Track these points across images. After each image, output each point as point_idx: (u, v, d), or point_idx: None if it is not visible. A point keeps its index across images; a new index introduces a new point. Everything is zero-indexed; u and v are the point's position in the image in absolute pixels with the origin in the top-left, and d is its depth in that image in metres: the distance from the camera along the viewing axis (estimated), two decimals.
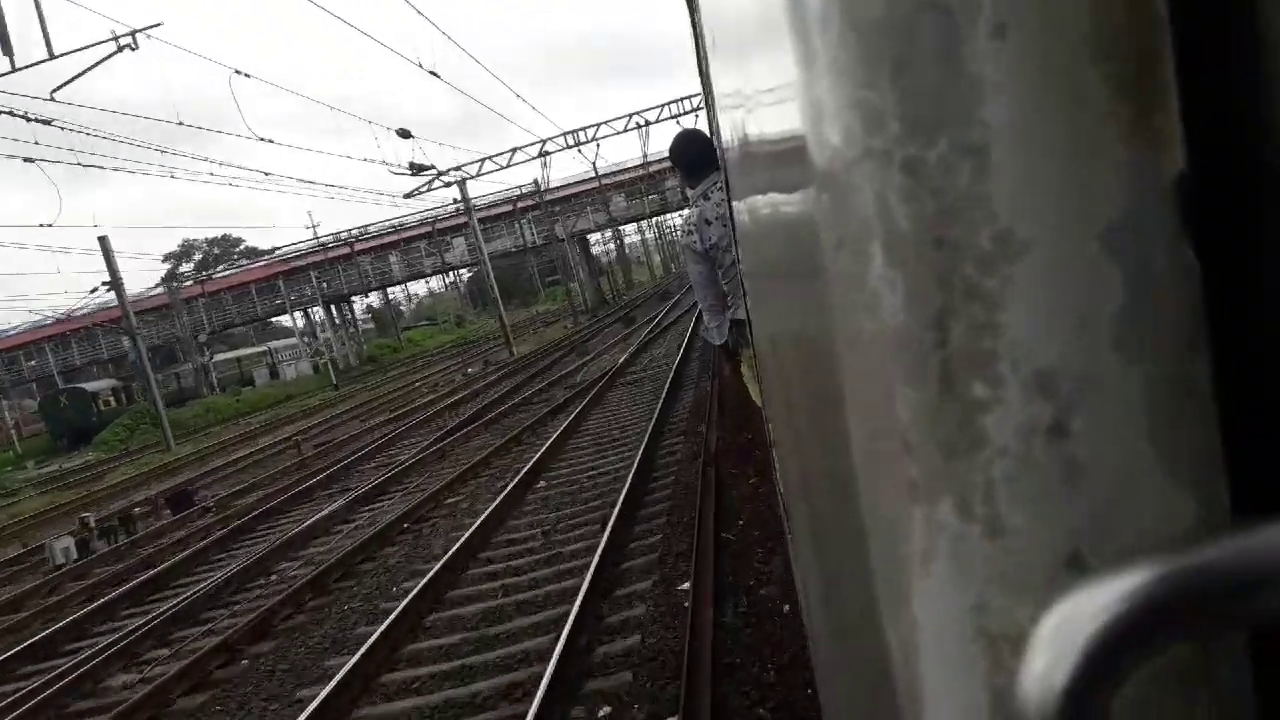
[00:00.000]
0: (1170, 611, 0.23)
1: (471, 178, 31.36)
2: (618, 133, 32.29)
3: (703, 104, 4.92)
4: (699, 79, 3.42)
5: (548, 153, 31.80)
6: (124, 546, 12.64)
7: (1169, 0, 0.26)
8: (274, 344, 56.05)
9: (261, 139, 21.24)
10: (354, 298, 57.32)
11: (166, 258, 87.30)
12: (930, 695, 0.29)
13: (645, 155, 32.93)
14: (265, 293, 51.61)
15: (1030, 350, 0.27)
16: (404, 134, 23.62)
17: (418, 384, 28.48)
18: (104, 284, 29.32)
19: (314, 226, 45.65)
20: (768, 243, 0.64)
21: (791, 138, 0.35)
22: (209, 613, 8.33)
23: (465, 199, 30.82)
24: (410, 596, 6.67)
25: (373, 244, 50.24)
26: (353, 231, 45.59)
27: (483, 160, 31.64)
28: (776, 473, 2.24)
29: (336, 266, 49.77)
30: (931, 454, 0.28)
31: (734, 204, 1.46)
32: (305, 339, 53.66)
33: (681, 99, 31.93)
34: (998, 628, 0.28)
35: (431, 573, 7.14)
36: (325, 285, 49.32)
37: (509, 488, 9.53)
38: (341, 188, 45.76)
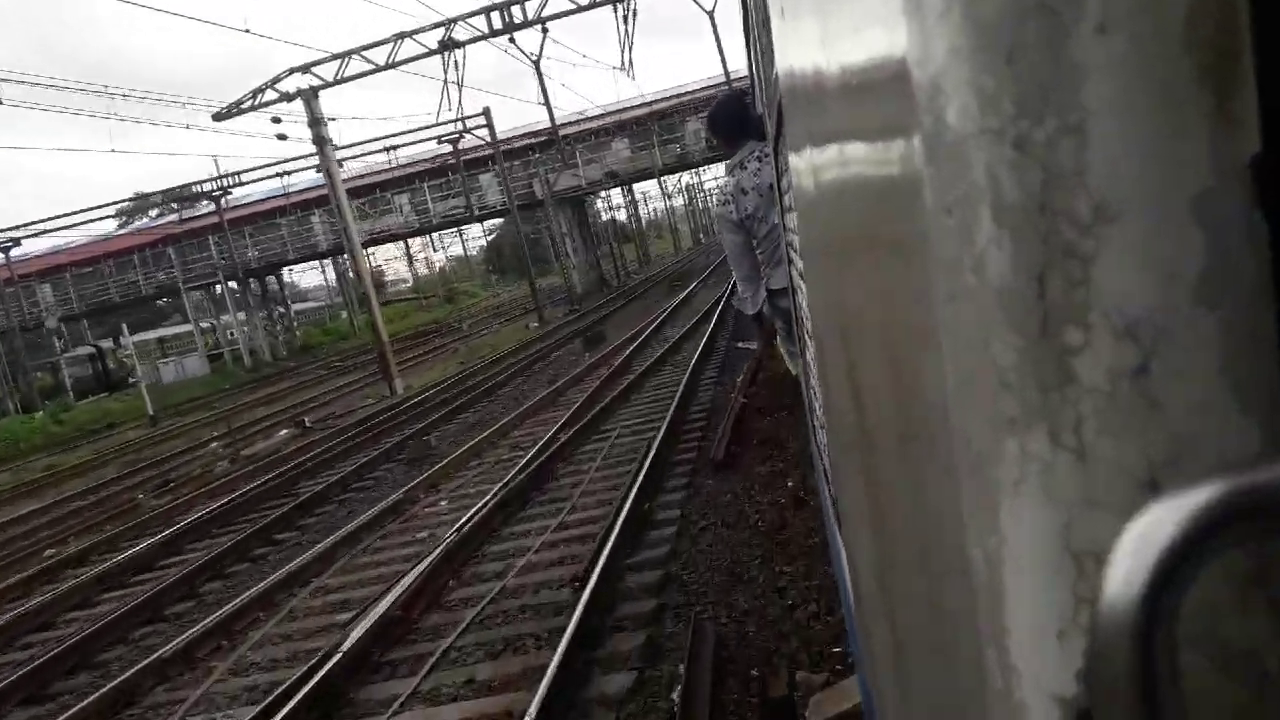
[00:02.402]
0: (1231, 522, 0.26)
1: (327, 85, 17.74)
2: (578, 8, 18.35)
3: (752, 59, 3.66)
4: (745, 47, 3.67)
5: (457, 43, 18.06)
6: None
7: (1250, 4, 0.30)
8: (177, 329, 43.08)
9: None
10: (285, 269, 44.24)
11: (119, 213, 74.47)
12: (1014, 603, 0.33)
13: (627, 53, 18.94)
14: (159, 261, 38.54)
15: (1120, 302, 0.31)
16: None
17: (209, 444, 15.23)
18: None
19: (220, 178, 32.20)
20: (845, 209, 0.66)
21: (892, 114, 0.38)
22: None
23: (316, 122, 17.23)
24: None
25: (255, 207, 36.89)
26: (221, 183, 31.88)
27: (346, 56, 17.96)
28: (818, 433, 2.17)
29: (244, 232, 36.50)
30: (1029, 392, 0.32)
31: (796, 175, 1.30)
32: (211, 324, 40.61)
33: None
34: (1082, 544, 0.31)
35: None
36: (223, 258, 36.04)
37: None
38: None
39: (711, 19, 23.76)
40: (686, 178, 75.51)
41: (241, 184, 31.14)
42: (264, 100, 18.36)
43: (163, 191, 34.24)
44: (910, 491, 0.52)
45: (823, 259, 0.97)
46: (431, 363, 23.39)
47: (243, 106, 18.40)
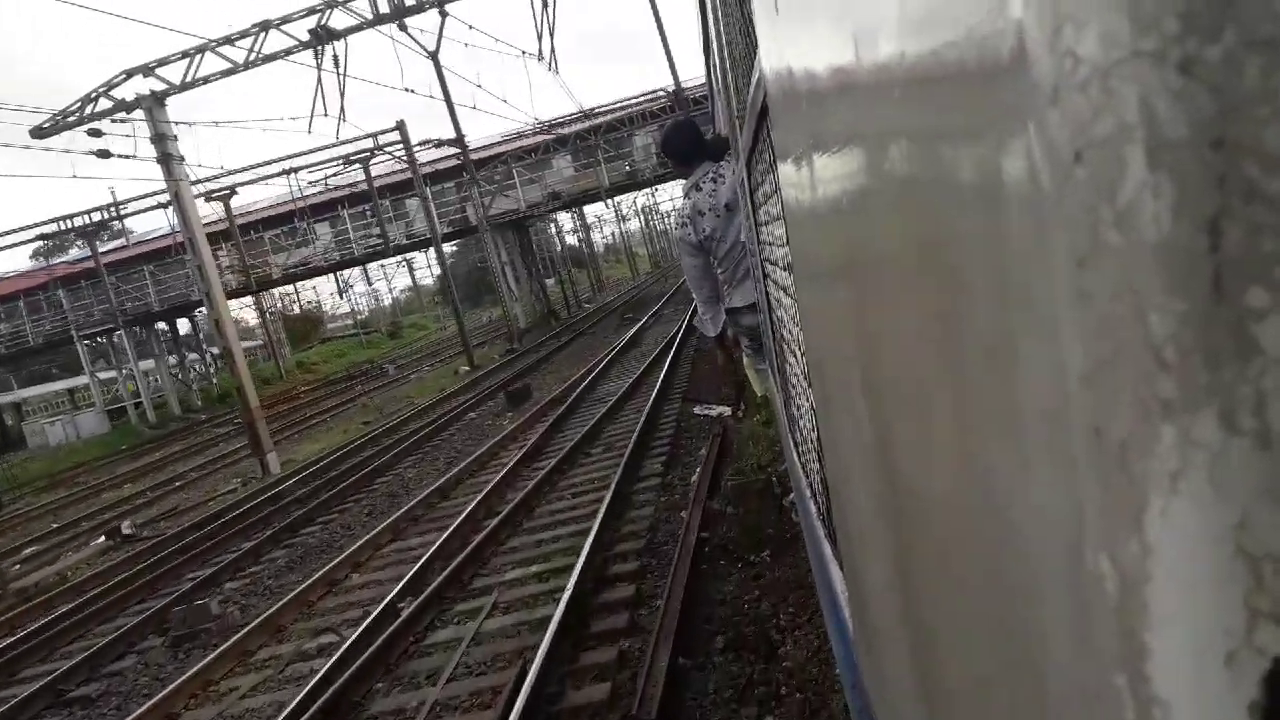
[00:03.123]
0: None
1: (174, 90, 14.03)
2: None
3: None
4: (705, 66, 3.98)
5: (334, 33, 14.38)
6: None
7: None
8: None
9: None
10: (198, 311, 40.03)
11: (36, 254, 69.66)
12: (1161, 620, 0.28)
13: (548, 40, 15.23)
14: (53, 306, 34.30)
15: None
16: None
17: (19, 552, 11.47)
18: None
19: (111, 207, 27.88)
20: (873, 204, 0.61)
21: (978, 67, 0.34)
22: None
23: (161, 138, 13.52)
24: None
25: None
26: (92, 217, 27.68)
27: (198, 53, 14.24)
28: (801, 449, 2.22)
29: (144, 270, 32.47)
30: (1195, 367, 0.26)
31: (790, 184, 1.23)
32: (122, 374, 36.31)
33: None
34: (1262, 546, 0.26)
35: None
36: (127, 300, 31.96)
37: None
38: None
39: (657, 18, 20.39)
40: (641, 199, 72.08)
41: (119, 217, 27.05)
42: (97, 111, 14.58)
43: (27, 227, 29.89)
44: (973, 503, 0.46)
45: (832, 265, 0.91)
46: (333, 422, 19.66)
47: (69, 119, 14.59)
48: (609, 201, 49.05)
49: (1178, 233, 0.26)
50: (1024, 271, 0.32)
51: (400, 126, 23.33)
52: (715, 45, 3.32)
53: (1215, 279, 0.26)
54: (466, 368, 23.15)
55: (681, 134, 4.37)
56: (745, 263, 3.84)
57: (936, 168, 0.43)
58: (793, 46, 0.91)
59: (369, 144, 23.60)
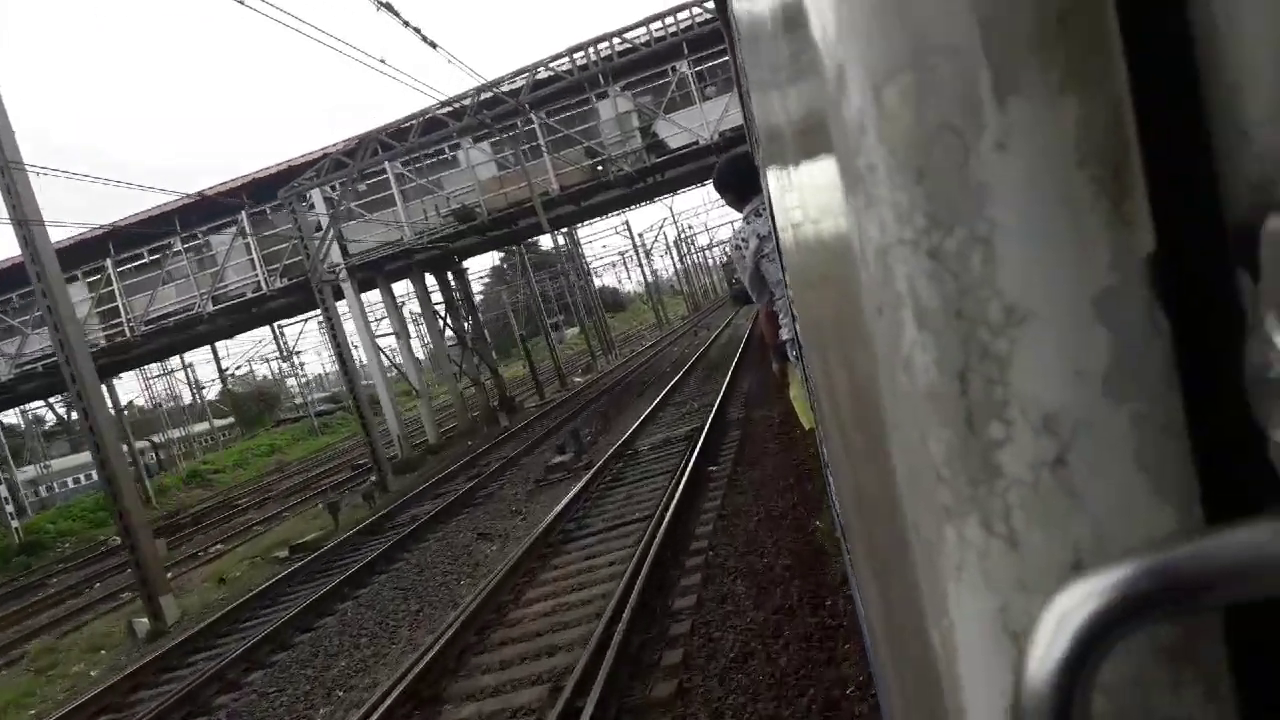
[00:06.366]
0: (1148, 598, 0.29)
1: None
2: None
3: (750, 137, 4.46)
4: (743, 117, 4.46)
5: None
6: None
7: (1137, 121, 0.33)
8: None
9: None
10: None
11: None
12: (968, 684, 0.36)
13: None
14: None
15: (1036, 398, 0.33)
16: None
17: None
18: None
19: None
20: (818, 298, 0.79)
21: (838, 225, 0.44)
22: None
23: None
24: None
25: None
26: None
27: None
28: (831, 490, 2.67)
29: None
30: (960, 483, 0.34)
31: (783, 247, 1.69)
32: None
33: None
34: (1018, 625, 0.34)
35: None
36: None
37: None
38: None
39: None
40: (670, 228, 58.28)
41: None
42: None
43: None
44: (894, 567, 0.53)
45: (811, 324, 1.07)
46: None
47: None
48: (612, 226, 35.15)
49: (940, 380, 0.34)
50: (869, 391, 0.40)
51: None
52: (741, 84, 3.67)
53: (968, 416, 0.34)
54: (146, 621, 9.65)
55: (736, 168, 4.59)
56: None
57: (829, 282, 0.53)
58: (764, 118, 1.13)
59: None
